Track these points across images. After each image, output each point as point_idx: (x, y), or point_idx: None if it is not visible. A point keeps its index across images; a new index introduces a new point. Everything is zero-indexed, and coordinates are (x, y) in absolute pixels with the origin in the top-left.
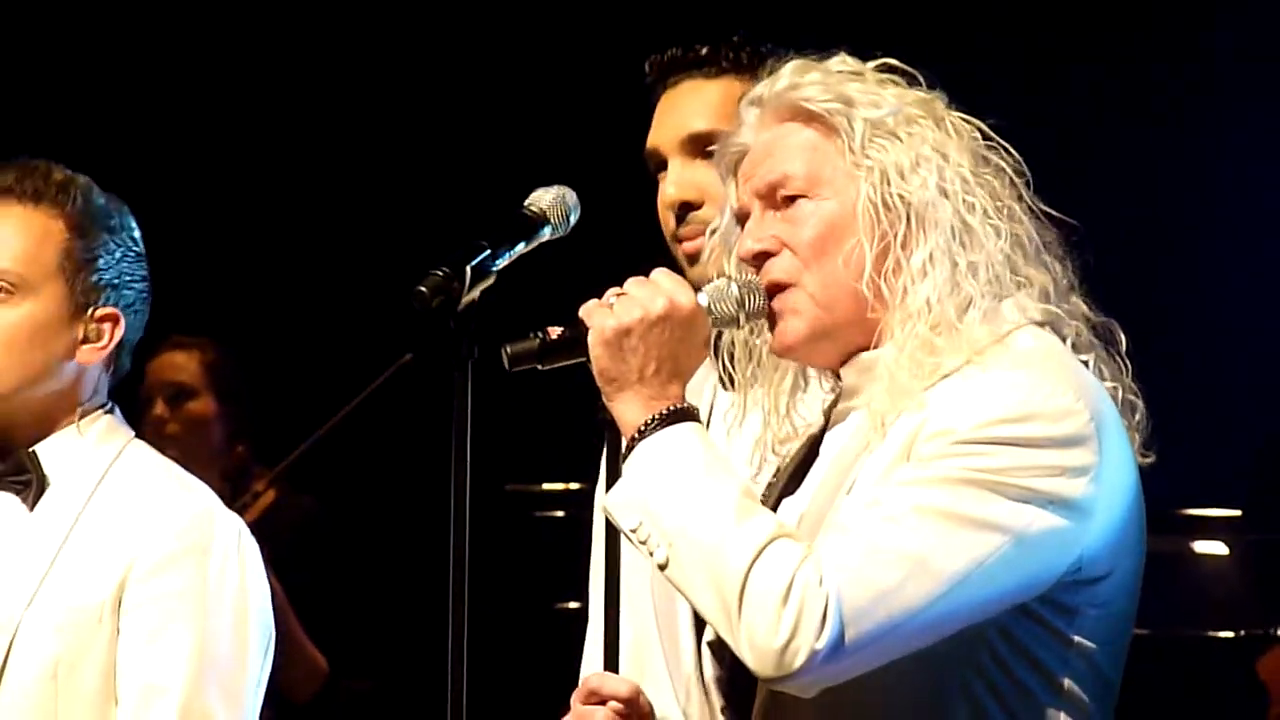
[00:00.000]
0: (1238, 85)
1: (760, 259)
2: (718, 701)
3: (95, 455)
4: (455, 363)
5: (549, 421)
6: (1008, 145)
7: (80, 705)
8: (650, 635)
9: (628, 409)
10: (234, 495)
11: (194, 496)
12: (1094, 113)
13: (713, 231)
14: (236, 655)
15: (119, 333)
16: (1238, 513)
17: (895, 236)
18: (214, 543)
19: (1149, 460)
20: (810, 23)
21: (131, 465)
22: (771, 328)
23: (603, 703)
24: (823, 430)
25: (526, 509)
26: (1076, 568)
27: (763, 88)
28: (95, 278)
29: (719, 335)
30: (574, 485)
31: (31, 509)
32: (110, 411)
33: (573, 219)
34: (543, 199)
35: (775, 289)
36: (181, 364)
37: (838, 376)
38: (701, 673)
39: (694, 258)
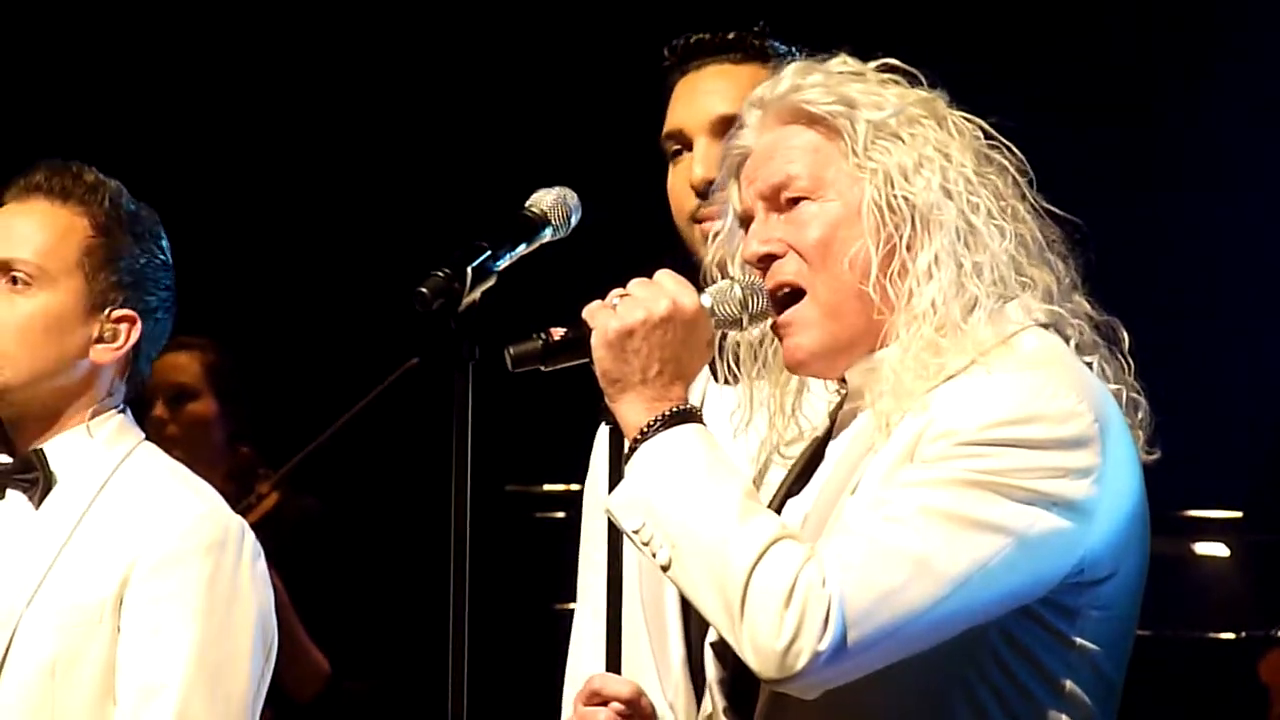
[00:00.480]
0: (1238, 86)
1: (765, 261)
2: (720, 703)
3: (104, 456)
4: (456, 364)
5: (550, 422)
6: (1010, 144)
7: (78, 704)
8: (638, 632)
9: (630, 410)
10: (238, 496)
11: (199, 498)
12: (1095, 110)
13: (715, 234)
14: (236, 657)
15: (135, 335)
16: (1238, 514)
17: (900, 238)
18: (217, 544)
19: (1153, 457)
20: (811, 22)
21: (139, 466)
22: (779, 338)
23: (605, 704)
24: (828, 431)
25: (527, 510)
26: (1079, 569)
27: (764, 90)
28: (115, 278)
29: (722, 336)
30: (574, 486)
31: (38, 507)
32: (122, 413)
33: (574, 220)
34: (544, 200)
35: (781, 291)
36: (183, 365)
37: (842, 379)
38: (702, 673)
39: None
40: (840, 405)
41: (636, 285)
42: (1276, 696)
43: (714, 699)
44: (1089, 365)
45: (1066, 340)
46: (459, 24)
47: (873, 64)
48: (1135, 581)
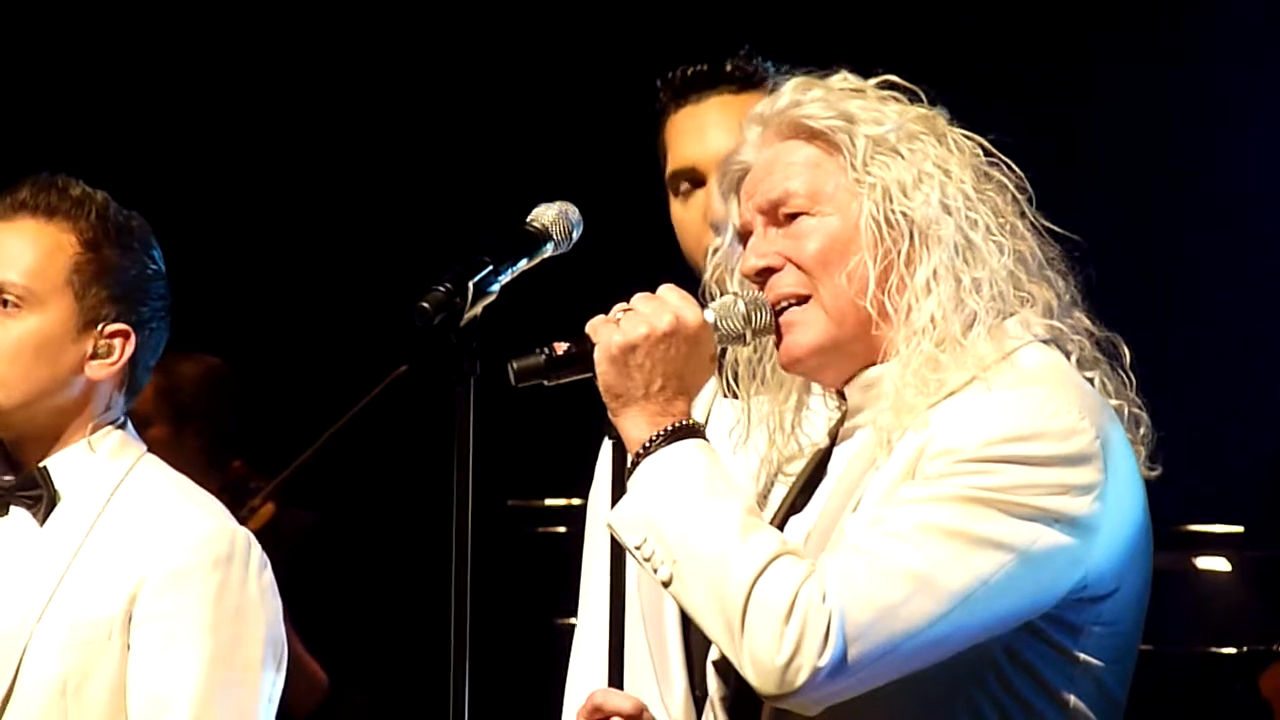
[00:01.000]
0: (1240, 90)
1: (764, 275)
2: (722, 719)
3: (107, 470)
4: (457, 378)
5: (551, 437)
6: (1009, 161)
7: None
8: (640, 647)
9: (633, 425)
10: (232, 510)
11: (204, 511)
12: (1094, 122)
13: (715, 250)
14: (247, 670)
15: (130, 349)
16: (1240, 528)
17: (898, 253)
18: (224, 558)
19: (1155, 473)
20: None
21: (143, 481)
22: (778, 343)
23: (607, 719)
24: (829, 448)
25: (528, 524)
26: (1082, 585)
27: (764, 105)
28: (106, 293)
29: (724, 352)
30: (576, 500)
31: (42, 524)
32: (122, 427)
33: (575, 235)
34: (545, 215)
35: (784, 303)
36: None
37: (842, 396)
38: (705, 691)
39: None
40: (841, 422)
41: (640, 300)
42: (1278, 711)
43: (716, 716)
44: (1090, 381)
45: (1067, 356)
46: (458, 37)
47: (873, 80)
48: (1138, 597)
